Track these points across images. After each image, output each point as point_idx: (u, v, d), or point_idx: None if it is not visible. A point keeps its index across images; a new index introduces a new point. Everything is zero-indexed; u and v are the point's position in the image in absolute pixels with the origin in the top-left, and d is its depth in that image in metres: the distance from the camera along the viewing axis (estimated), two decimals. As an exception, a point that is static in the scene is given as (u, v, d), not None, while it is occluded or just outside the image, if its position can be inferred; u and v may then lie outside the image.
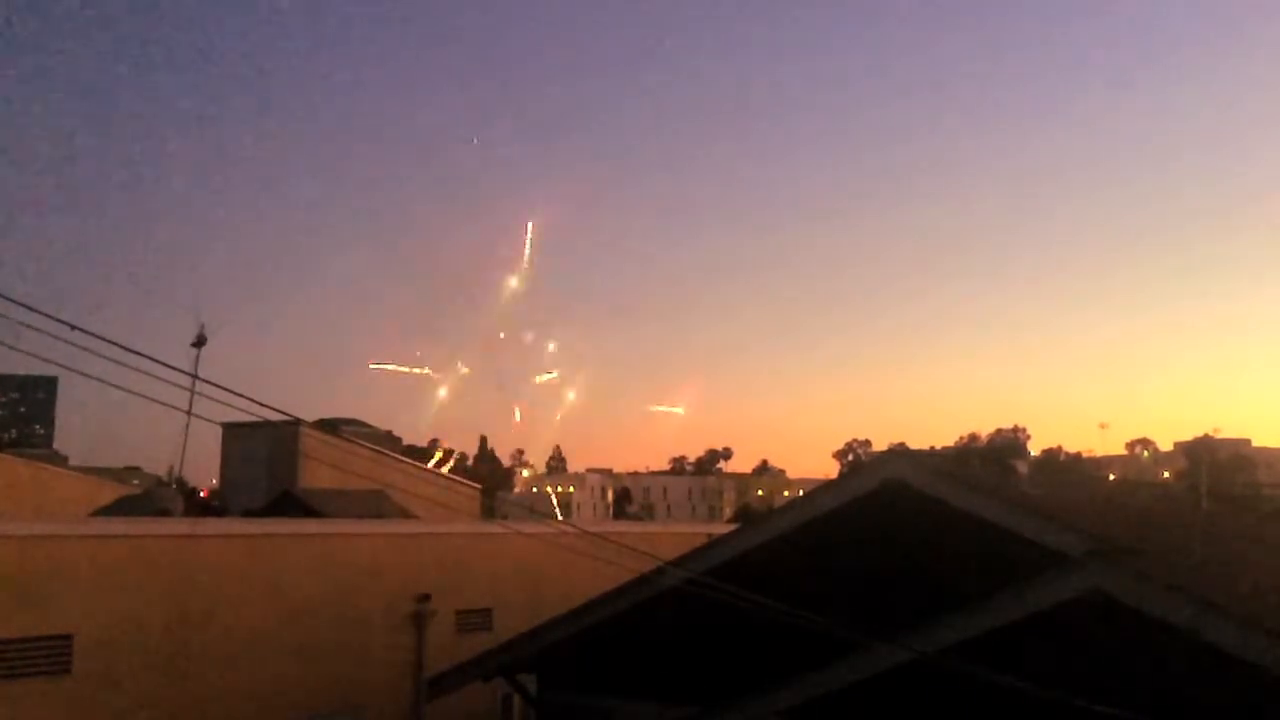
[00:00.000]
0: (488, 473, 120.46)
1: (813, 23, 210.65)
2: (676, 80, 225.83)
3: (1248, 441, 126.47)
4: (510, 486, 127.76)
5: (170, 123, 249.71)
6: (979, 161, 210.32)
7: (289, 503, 17.80)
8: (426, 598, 14.43)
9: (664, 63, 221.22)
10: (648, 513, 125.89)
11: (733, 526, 15.13)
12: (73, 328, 5.04)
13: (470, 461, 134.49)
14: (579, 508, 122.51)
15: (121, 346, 5.21)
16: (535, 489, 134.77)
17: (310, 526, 14.86)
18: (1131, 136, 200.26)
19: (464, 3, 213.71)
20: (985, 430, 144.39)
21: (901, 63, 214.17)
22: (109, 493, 22.77)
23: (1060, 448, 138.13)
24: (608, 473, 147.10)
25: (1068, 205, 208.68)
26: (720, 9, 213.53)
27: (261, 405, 5.89)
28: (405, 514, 18.42)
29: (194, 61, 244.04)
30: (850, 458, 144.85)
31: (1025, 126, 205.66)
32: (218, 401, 5.78)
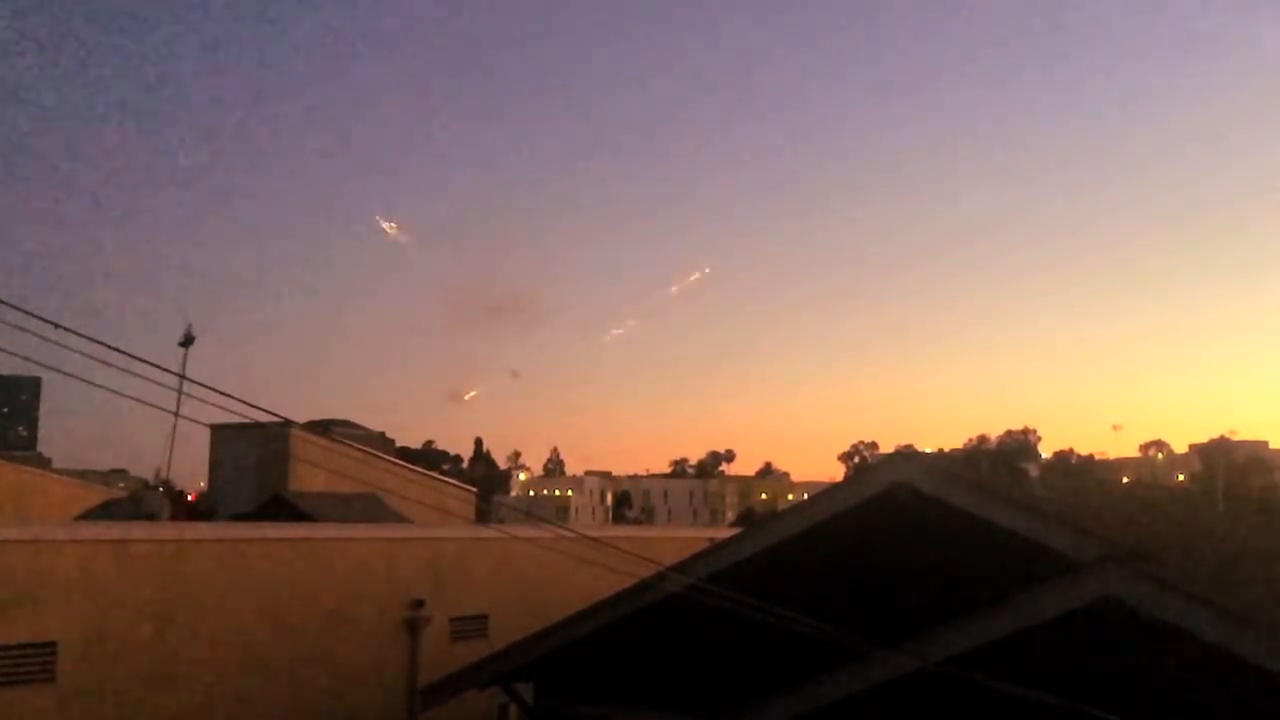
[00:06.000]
0: (484, 475, 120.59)
1: (816, 18, 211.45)
2: (672, 76, 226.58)
3: (1265, 443, 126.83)
4: (507, 489, 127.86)
5: (160, 120, 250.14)
6: (989, 159, 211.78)
7: (279, 506, 17.59)
8: (420, 604, 14.22)
9: (660, 59, 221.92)
10: (648, 516, 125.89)
11: (735, 531, 14.91)
12: (57, 326, 4.95)
13: (465, 464, 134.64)
14: (577, 512, 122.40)
15: (107, 346, 5.13)
16: (532, 492, 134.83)
17: (301, 531, 14.62)
18: (1144, 133, 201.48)
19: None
20: (995, 432, 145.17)
21: (907, 59, 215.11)
22: (94, 496, 22.54)
23: (1072, 450, 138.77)
24: (606, 475, 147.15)
25: (1078, 203, 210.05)
26: (718, 2, 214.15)
27: (251, 406, 5.85)
28: (399, 518, 18.21)
29: (185, 60, 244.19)
30: (856, 460, 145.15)
31: (1037, 123, 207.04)
32: (206, 403, 5.69)
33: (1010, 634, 7.54)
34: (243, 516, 17.72)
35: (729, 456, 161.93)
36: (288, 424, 17.30)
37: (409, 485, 20.92)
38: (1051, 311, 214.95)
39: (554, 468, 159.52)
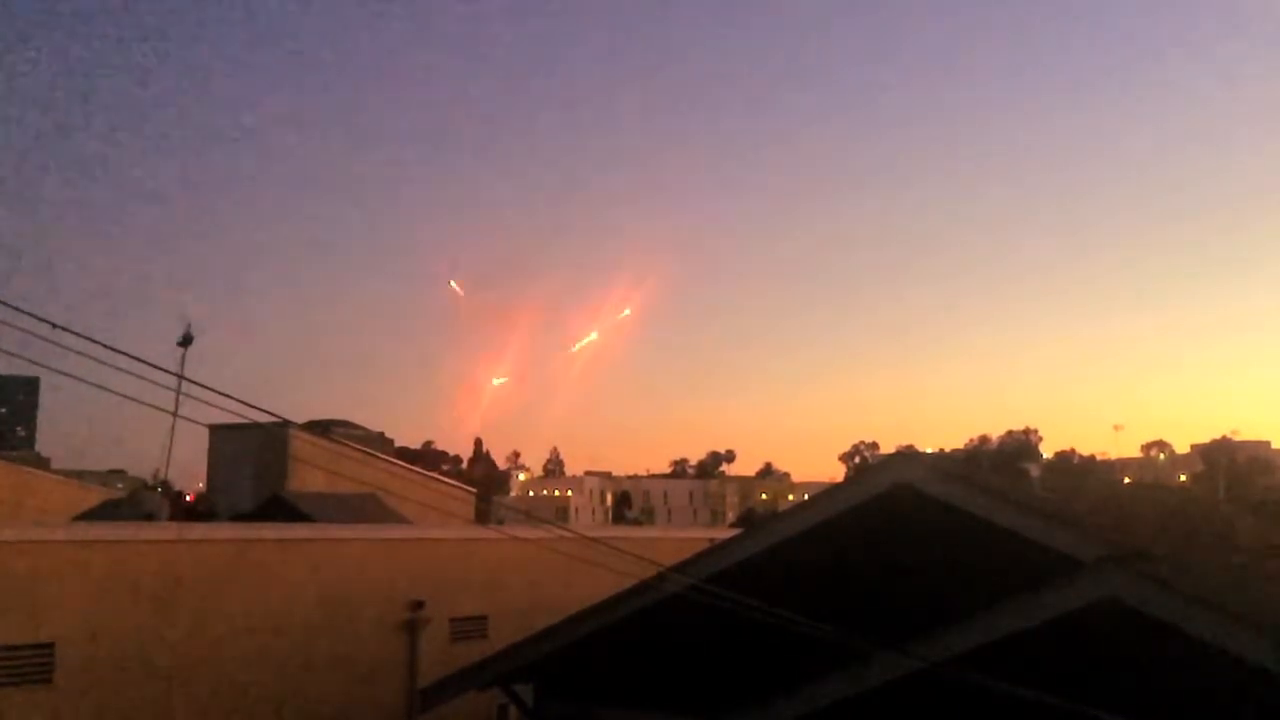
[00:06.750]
0: (483, 476, 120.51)
1: (816, 16, 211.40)
2: (671, 71, 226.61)
3: (1267, 443, 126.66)
4: (506, 489, 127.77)
5: (157, 119, 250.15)
6: (990, 159, 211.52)
7: (278, 507, 17.55)
8: (420, 605, 14.17)
9: (661, 51, 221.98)
10: (648, 516, 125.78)
11: (736, 531, 14.88)
12: (55, 326, 4.93)
13: (465, 464, 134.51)
14: (576, 512, 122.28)
15: (106, 346, 5.11)
16: (532, 492, 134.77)
17: (300, 531, 14.59)
18: (1144, 133, 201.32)
19: None
20: (996, 432, 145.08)
21: (909, 59, 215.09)
22: (93, 496, 22.53)
23: (1073, 450, 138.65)
24: (606, 475, 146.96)
25: (1080, 202, 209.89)
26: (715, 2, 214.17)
27: (249, 406, 5.84)
28: (398, 518, 18.17)
29: (181, 58, 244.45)
30: (857, 460, 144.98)
31: (1037, 123, 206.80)
32: (205, 403, 5.68)
33: (1011, 634, 7.50)
34: (242, 517, 17.70)
35: (729, 457, 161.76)
36: (287, 424, 17.25)
37: (408, 485, 20.88)
38: (1052, 311, 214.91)
39: (554, 468, 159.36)
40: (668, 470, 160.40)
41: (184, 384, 5.84)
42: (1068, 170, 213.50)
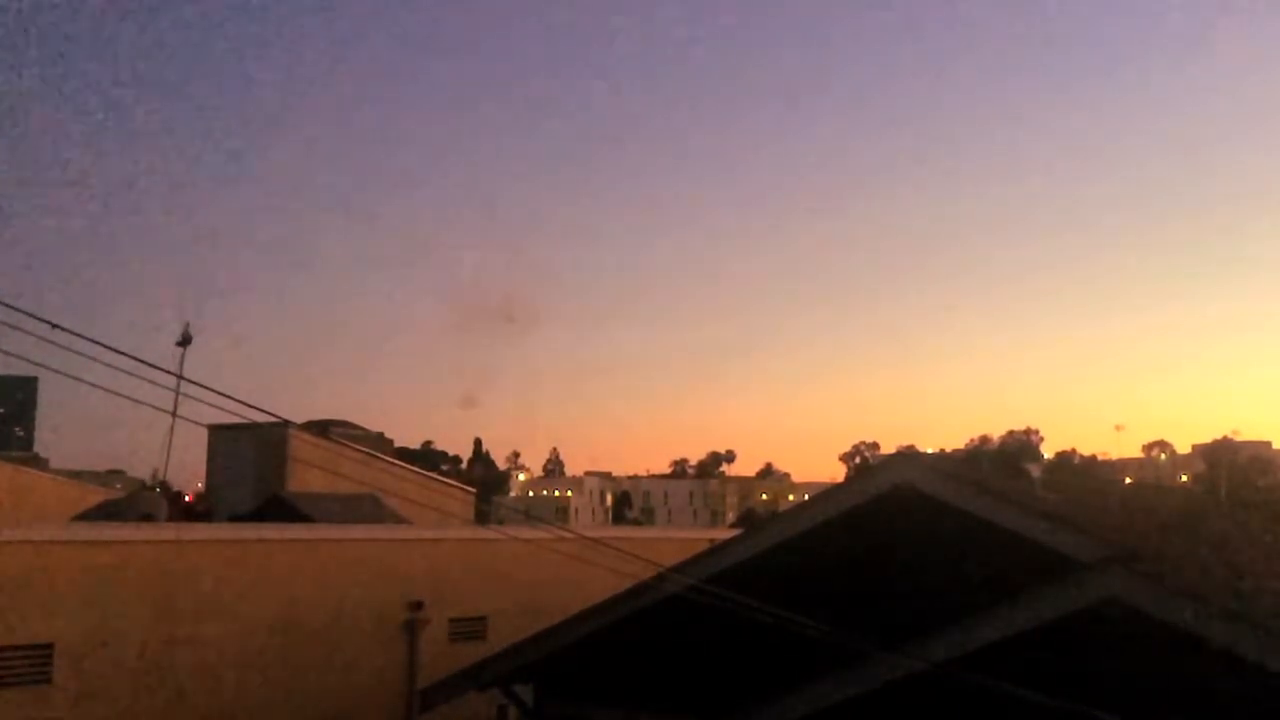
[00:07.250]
0: (483, 476, 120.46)
1: (816, 15, 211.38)
2: (670, 72, 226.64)
3: (1268, 444, 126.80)
4: (506, 490, 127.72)
5: (156, 119, 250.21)
6: (989, 159, 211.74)
7: (277, 507, 17.47)
8: (419, 605, 14.14)
9: (661, 49, 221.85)
10: (648, 517, 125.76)
11: (736, 532, 14.86)
12: (54, 326, 4.90)
13: (465, 464, 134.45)
14: (576, 512, 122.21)
15: (104, 346, 5.10)
16: (532, 492, 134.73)
17: (299, 532, 14.54)
18: (1144, 133, 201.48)
19: None
20: (997, 432, 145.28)
21: (908, 58, 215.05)
22: (91, 497, 22.38)
23: (1074, 450, 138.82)
24: (606, 476, 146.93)
25: (1078, 203, 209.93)
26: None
27: (249, 406, 5.79)
28: (397, 519, 18.13)
29: (181, 57, 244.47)
30: (857, 461, 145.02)
31: (1036, 123, 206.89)
32: (204, 403, 5.65)
33: (1013, 635, 7.49)
34: (241, 517, 17.64)
35: (729, 457, 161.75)
36: (286, 424, 17.21)
37: (408, 486, 20.84)
38: (1052, 311, 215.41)
39: (554, 468, 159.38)
40: (668, 470, 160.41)
41: (183, 384, 5.81)
42: (1068, 170, 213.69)
